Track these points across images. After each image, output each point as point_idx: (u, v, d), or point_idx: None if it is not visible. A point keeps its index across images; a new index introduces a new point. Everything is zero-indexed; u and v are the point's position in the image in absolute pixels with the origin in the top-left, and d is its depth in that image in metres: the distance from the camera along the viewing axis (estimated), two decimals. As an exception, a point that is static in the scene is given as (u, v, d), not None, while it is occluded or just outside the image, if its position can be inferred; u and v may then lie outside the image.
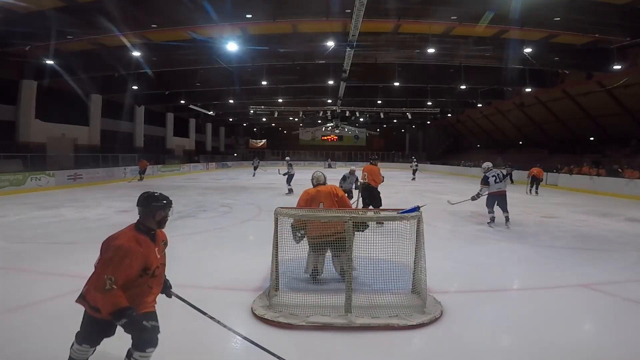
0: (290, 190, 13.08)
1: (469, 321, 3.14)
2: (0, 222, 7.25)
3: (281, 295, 3.37)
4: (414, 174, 22.58)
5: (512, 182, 19.52)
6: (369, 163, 7.74)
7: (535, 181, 14.19)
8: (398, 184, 19.76)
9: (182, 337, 2.82)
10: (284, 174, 13.65)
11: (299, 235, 3.73)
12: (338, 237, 3.56)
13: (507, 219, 7.18)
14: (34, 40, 12.53)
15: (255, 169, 24.41)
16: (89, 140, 20.95)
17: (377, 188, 7.45)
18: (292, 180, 13.58)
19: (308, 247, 3.85)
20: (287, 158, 14.47)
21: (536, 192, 13.97)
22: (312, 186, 4.28)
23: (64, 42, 12.78)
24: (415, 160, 24.74)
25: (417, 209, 3.47)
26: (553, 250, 5.66)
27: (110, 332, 2.18)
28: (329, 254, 3.97)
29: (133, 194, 12.61)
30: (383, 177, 7.66)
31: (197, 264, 4.72)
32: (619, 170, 14.94)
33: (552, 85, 19.76)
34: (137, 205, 2.26)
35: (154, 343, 2.06)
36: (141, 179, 18.45)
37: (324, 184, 4.29)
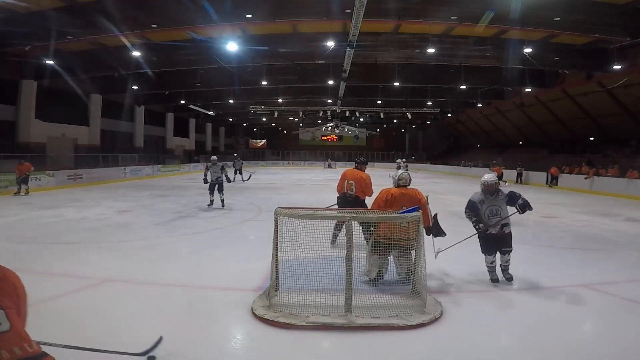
0: (212, 202, 9.29)
1: (469, 321, 3.14)
2: (0, 222, 7.25)
3: (281, 295, 3.37)
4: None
5: (521, 182, 19.59)
6: (354, 167, 5.65)
7: (552, 177, 17.76)
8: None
9: (182, 337, 2.81)
10: (204, 180, 9.44)
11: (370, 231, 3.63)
12: (410, 243, 3.55)
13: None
14: (34, 40, 12.53)
15: (237, 172, 17.76)
16: (89, 140, 20.95)
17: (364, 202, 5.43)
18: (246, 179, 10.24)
19: (371, 248, 3.73)
20: (214, 158, 9.68)
21: (556, 185, 17.46)
22: (394, 186, 4.08)
23: (64, 42, 12.78)
24: (404, 161, 20.41)
25: (417, 209, 3.47)
26: (553, 250, 5.66)
27: None
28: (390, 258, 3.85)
29: (133, 194, 12.64)
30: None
31: (197, 264, 4.72)
32: (598, 170, 15.63)
33: (552, 85, 19.77)
34: None
35: None
36: (25, 191, 11.66)
37: (408, 185, 4.12)
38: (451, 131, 41.77)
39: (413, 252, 3.61)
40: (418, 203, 3.90)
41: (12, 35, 11.73)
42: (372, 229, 3.68)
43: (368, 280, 3.79)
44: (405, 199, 3.90)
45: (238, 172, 17.68)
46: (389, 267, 3.86)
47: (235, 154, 20.84)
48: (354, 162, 5.82)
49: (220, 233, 6.69)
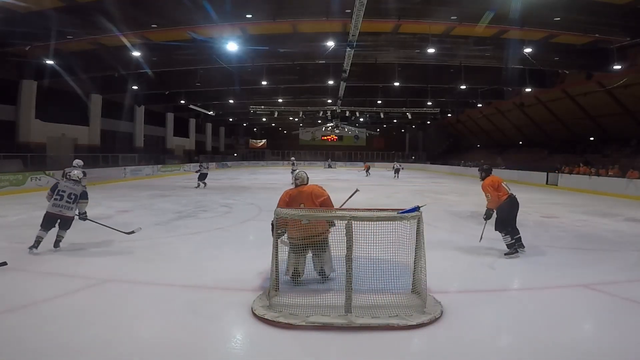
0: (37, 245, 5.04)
1: (469, 321, 3.14)
2: (0, 222, 7.25)
3: (281, 295, 3.37)
4: (397, 173, 24.54)
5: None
6: (489, 175, 5.46)
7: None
8: (398, 183, 19.79)
9: (182, 337, 2.82)
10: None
11: (279, 232, 3.66)
12: (321, 238, 3.69)
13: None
14: (34, 40, 12.54)
15: (201, 178, 15.30)
16: (89, 140, 20.97)
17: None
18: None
19: (288, 248, 3.82)
20: (76, 169, 6.25)
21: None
22: (294, 186, 4.19)
23: (64, 42, 12.79)
24: (399, 164, 26.70)
25: (417, 209, 3.46)
26: (553, 250, 5.65)
27: None
28: (309, 254, 3.93)
29: (133, 194, 12.64)
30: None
31: (197, 264, 4.72)
32: (598, 170, 15.59)
33: (552, 85, 19.78)
34: None
35: None
36: None
37: (306, 184, 4.18)
38: (451, 131, 41.76)
39: (329, 249, 3.78)
40: (317, 198, 3.96)
41: (12, 35, 11.73)
42: (279, 230, 3.67)
43: (288, 279, 3.80)
44: (302, 197, 3.99)
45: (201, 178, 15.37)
46: (306, 266, 3.89)
47: (232, 153, 19.99)
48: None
49: (220, 233, 6.69)
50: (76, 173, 5.44)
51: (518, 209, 5.27)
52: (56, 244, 5.13)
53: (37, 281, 3.98)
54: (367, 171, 27.10)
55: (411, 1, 10.80)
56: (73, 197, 5.15)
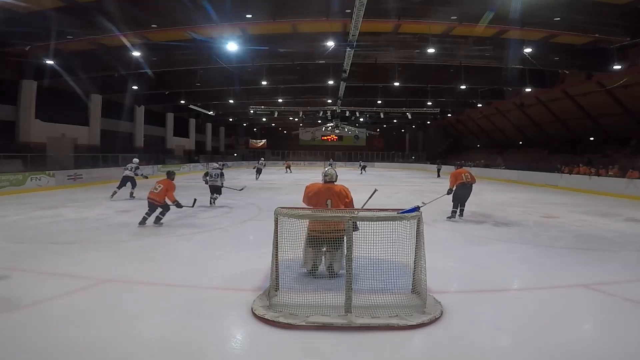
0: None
1: (469, 321, 3.14)
2: (0, 222, 7.25)
3: (281, 295, 3.37)
4: (363, 169, 29.66)
5: (439, 176, 24.11)
6: (460, 167, 8.34)
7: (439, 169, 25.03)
8: (398, 183, 19.77)
9: (182, 337, 2.82)
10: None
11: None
12: (338, 236, 3.68)
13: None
14: (34, 40, 12.53)
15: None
16: (89, 140, 20.96)
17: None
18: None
19: (305, 241, 3.86)
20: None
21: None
22: (322, 182, 4.30)
23: (64, 42, 12.78)
24: (362, 163, 31.21)
25: (417, 209, 3.46)
26: (553, 250, 5.65)
27: None
28: (323, 249, 3.98)
29: (133, 194, 12.60)
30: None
31: (197, 264, 4.73)
32: (598, 170, 15.65)
33: (552, 85, 19.76)
34: None
35: None
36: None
37: (335, 181, 4.33)
38: (451, 131, 41.74)
39: (343, 246, 3.72)
40: (345, 199, 4.13)
41: (12, 35, 11.74)
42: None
43: (306, 272, 3.97)
44: (331, 194, 4.12)
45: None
46: (322, 260, 4.02)
47: (232, 153, 21.89)
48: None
49: (220, 233, 6.70)
50: (216, 165, 10.09)
51: (467, 192, 7.93)
52: (212, 202, 9.67)
53: (37, 281, 3.97)
54: (288, 169, 28.37)
55: (411, 1, 10.79)
56: (216, 174, 9.60)
